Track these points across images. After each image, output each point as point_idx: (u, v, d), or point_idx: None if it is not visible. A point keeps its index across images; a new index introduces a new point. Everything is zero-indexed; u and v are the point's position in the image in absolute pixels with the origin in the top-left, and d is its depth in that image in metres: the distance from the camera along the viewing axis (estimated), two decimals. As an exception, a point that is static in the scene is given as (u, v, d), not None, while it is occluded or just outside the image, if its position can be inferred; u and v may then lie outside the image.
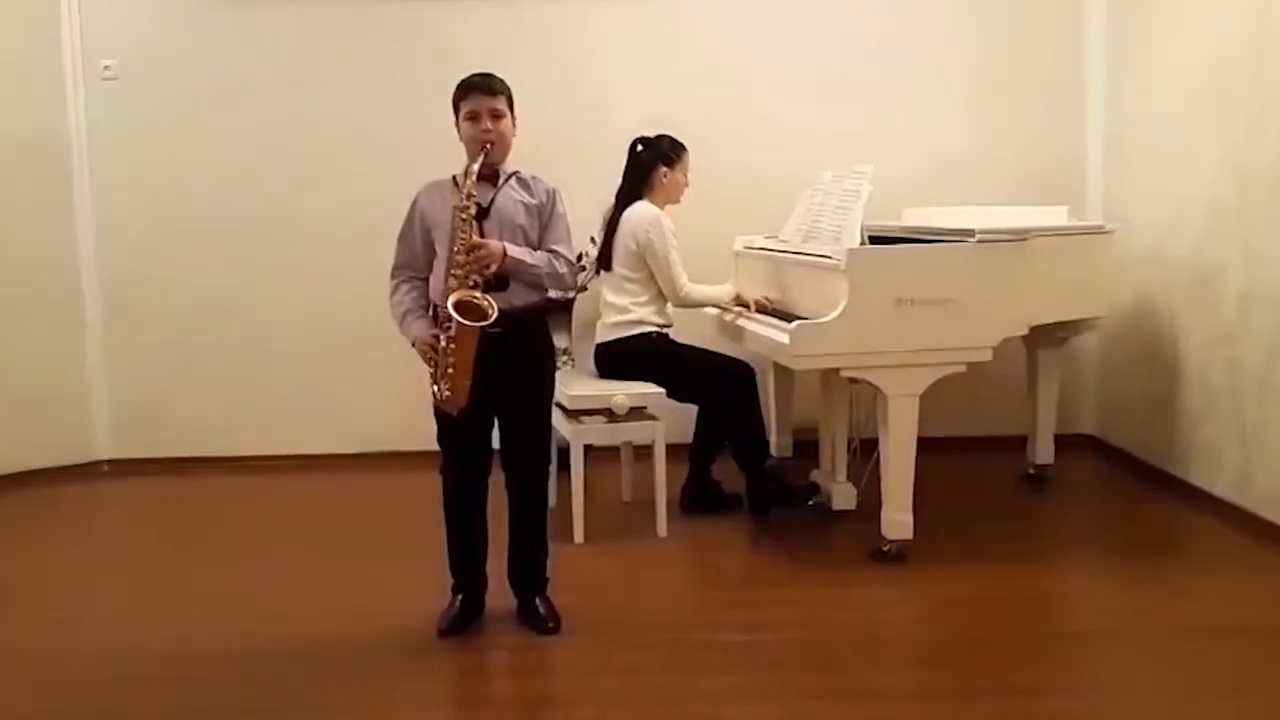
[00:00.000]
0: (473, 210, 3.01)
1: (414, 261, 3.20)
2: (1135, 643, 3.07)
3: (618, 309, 4.23)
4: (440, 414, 3.10)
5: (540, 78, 5.01)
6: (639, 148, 4.33)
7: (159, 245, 5.16)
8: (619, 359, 4.22)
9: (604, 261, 4.32)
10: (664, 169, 4.28)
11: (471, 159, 3.07)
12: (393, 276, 3.23)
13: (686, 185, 4.38)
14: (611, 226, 4.28)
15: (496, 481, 3.25)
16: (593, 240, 4.78)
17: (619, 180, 4.35)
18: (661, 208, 4.28)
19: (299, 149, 5.13)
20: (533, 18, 5.10)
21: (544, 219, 3.18)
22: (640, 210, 4.21)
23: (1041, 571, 3.65)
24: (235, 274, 5.18)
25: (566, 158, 4.84)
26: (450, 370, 2.96)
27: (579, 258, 4.79)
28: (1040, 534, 4.10)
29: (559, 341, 4.93)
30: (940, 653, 3.08)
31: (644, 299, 4.21)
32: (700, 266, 4.51)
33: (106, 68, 5.07)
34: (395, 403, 5.04)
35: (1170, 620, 3.22)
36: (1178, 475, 4.41)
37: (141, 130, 5.11)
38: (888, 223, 4.32)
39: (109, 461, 5.23)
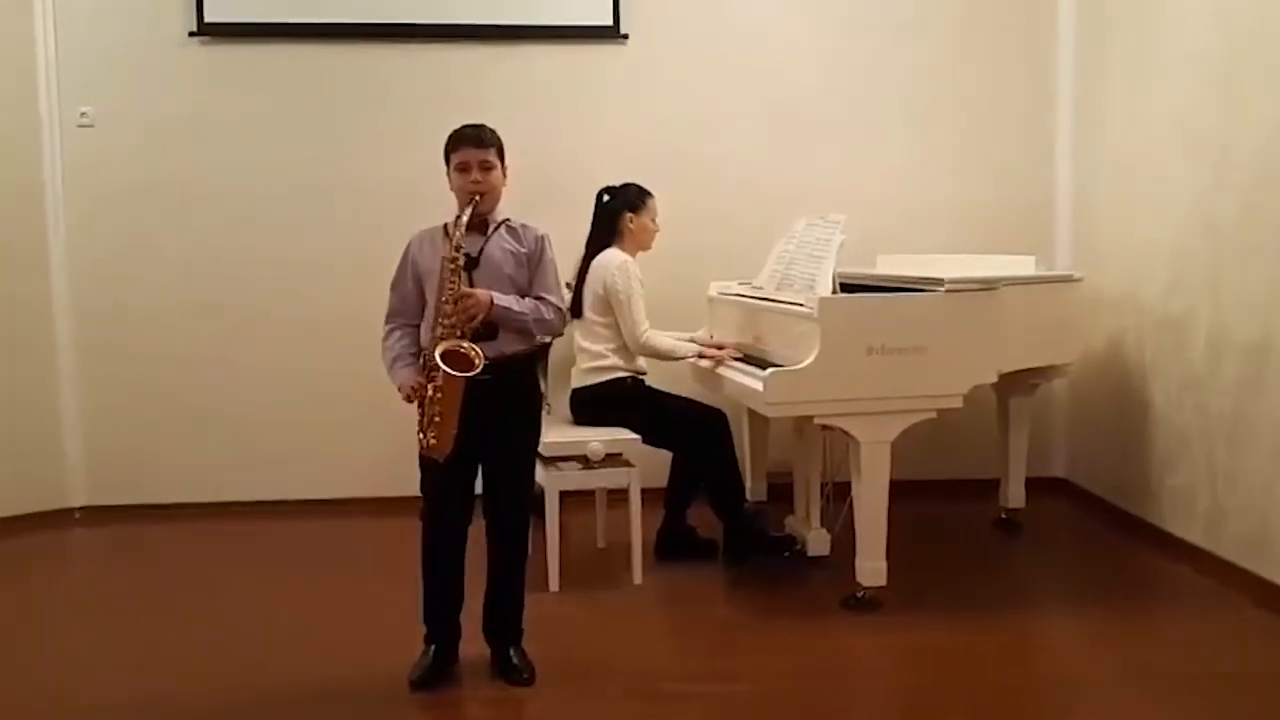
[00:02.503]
0: (461, 261, 3.03)
1: (405, 309, 3.22)
2: (1108, 690, 3.08)
3: (591, 355, 4.24)
4: (425, 461, 3.10)
5: (516, 121, 5.03)
6: (605, 197, 4.38)
7: (133, 290, 5.14)
8: (594, 405, 4.23)
9: (575, 309, 4.34)
10: (629, 215, 4.32)
11: (461, 209, 3.10)
12: (386, 323, 3.25)
13: (657, 230, 4.42)
14: (581, 274, 4.31)
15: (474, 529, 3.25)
16: (568, 285, 4.80)
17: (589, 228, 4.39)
18: (633, 254, 4.31)
19: (275, 195, 5.14)
20: (510, 61, 5.14)
21: (533, 266, 3.20)
22: (608, 256, 4.25)
23: (1015, 618, 3.66)
24: (210, 319, 5.17)
25: (541, 201, 4.87)
26: (437, 419, 2.96)
27: (558, 303, 4.86)
28: (1013, 580, 4.12)
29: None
30: (915, 701, 3.09)
31: (615, 345, 4.22)
32: (675, 311, 4.56)
33: (83, 114, 5.07)
34: (372, 448, 5.04)
35: (1143, 667, 3.24)
36: (1149, 520, 4.44)
37: (117, 176, 5.11)
38: (860, 270, 4.37)
39: (81, 509, 5.18)
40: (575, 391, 4.30)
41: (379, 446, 4.97)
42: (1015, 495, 4.66)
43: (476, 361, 2.95)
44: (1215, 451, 4.00)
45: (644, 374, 4.32)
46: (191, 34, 5.05)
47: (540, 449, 4.02)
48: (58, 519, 5.09)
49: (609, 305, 4.20)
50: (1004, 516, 4.69)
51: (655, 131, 5.14)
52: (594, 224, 4.38)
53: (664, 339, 4.25)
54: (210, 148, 5.12)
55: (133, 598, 4.16)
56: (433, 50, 5.13)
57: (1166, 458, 4.34)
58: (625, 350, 4.23)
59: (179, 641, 3.61)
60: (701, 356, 4.25)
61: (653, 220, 4.39)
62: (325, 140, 5.14)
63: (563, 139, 5.13)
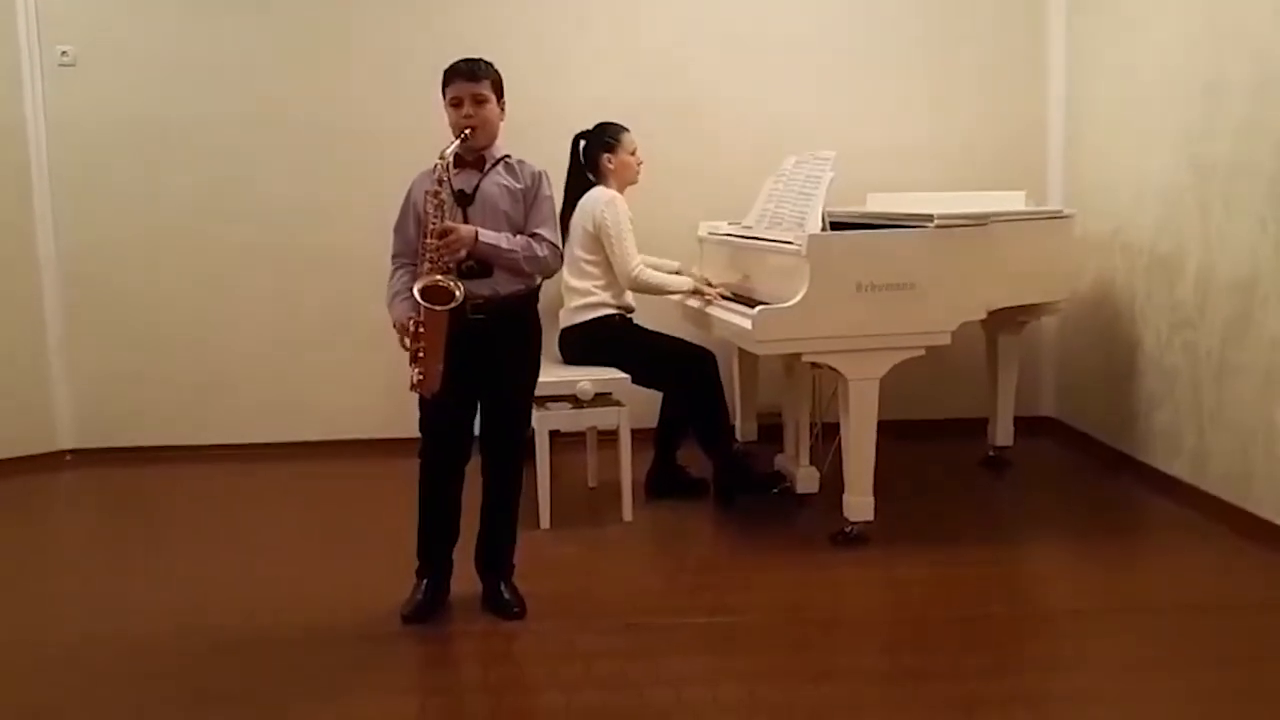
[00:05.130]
0: (444, 195, 3.00)
1: (407, 250, 3.19)
2: (1095, 621, 3.12)
3: (579, 293, 4.24)
4: (424, 399, 3.10)
5: (505, 62, 5.00)
6: (581, 143, 4.36)
7: (119, 232, 5.11)
8: (583, 343, 4.23)
9: None
10: (607, 156, 4.30)
11: (453, 144, 3.05)
12: (392, 263, 3.23)
13: (639, 162, 4.39)
14: (565, 216, 4.29)
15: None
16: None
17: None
18: (621, 191, 4.29)
19: (261, 134, 5.09)
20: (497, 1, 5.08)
21: (528, 202, 3.16)
22: (595, 193, 4.24)
23: (1002, 552, 3.70)
24: (197, 260, 5.14)
25: (529, 140, 4.85)
26: (421, 355, 2.96)
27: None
28: (1000, 515, 4.15)
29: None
30: (902, 634, 3.13)
31: (604, 282, 4.22)
32: (665, 252, 4.54)
33: (63, 54, 5.00)
34: (361, 390, 5.04)
35: (1129, 599, 3.28)
36: (1136, 457, 4.47)
37: (99, 116, 5.05)
38: (850, 208, 4.35)
39: (71, 451, 5.19)
40: (564, 331, 4.29)
41: (367, 390, 4.99)
42: (1003, 434, 4.68)
43: (455, 294, 2.93)
44: (1202, 389, 4.02)
45: (632, 311, 4.31)
46: (171, -32, 4.99)
47: (530, 389, 4.04)
48: (48, 462, 5.10)
49: (598, 243, 4.19)
50: (992, 455, 4.72)
51: (642, 71, 5.08)
52: (571, 169, 4.36)
53: (656, 275, 4.25)
54: (193, 85, 5.06)
55: (123, 538, 4.19)
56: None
57: (1154, 396, 4.36)
58: (613, 288, 4.23)
59: (168, 581, 3.63)
60: (696, 293, 4.26)
61: (632, 154, 4.36)
62: (311, 77, 5.08)
63: (551, 77, 5.06)
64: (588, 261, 4.22)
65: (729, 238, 4.42)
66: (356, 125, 5.01)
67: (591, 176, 4.32)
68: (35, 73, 5.01)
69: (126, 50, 5.04)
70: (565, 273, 4.31)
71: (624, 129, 4.35)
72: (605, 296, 4.22)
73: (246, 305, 5.17)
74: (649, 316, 4.41)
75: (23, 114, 5.00)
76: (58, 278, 5.12)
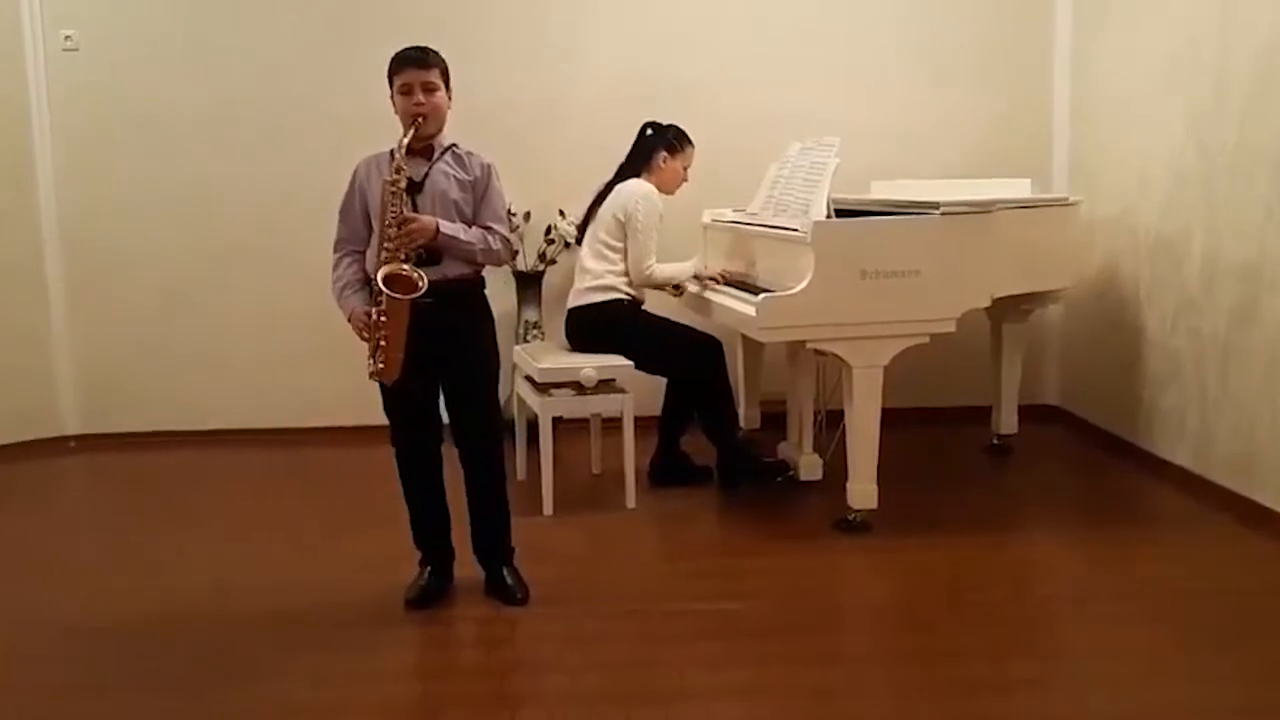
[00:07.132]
0: (403, 184, 2.99)
1: (354, 236, 3.18)
2: (1098, 608, 3.12)
3: (592, 274, 4.24)
4: (383, 385, 3.10)
5: (509, 47, 5.01)
6: (648, 131, 4.37)
7: (122, 218, 5.11)
8: (590, 327, 4.23)
9: (582, 229, 4.34)
10: (664, 154, 4.31)
11: (405, 132, 3.05)
12: (335, 250, 3.21)
13: (685, 180, 4.40)
14: (600, 196, 4.30)
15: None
16: (561, 213, 4.79)
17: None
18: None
19: (263, 119, 5.08)
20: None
21: (478, 195, 3.16)
22: (636, 184, 4.26)
23: (1005, 540, 3.70)
24: (199, 246, 5.13)
25: (533, 128, 4.86)
26: (383, 344, 2.96)
27: (546, 231, 4.86)
28: (1004, 503, 4.14)
29: (529, 315, 4.95)
30: (904, 620, 3.13)
31: (620, 268, 4.23)
32: (669, 240, 4.52)
33: (67, 38, 4.99)
34: (363, 376, 5.01)
35: (1132, 586, 3.27)
36: (1140, 444, 4.46)
37: (103, 101, 5.04)
38: (855, 195, 4.35)
39: (75, 437, 5.19)
40: (571, 310, 4.29)
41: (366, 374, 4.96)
42: (1007, 422, 4.67)
43: (419, 284, 2.93)
44: (1207, 375, 4.01)
45: (642, 299, 4.31)
46: (175, -49, 4.98)
47: (534, 375, 4.05)
48: (51, 447, 5.12)
49: (624, 230, 4.20)
50: (996, 443, 4.72)
51: (648, 58, 5.06)
52: (630, 153, 4.37)
53: (665, 270, 4.27)
54: (196, 72, 5.05)
55: (126, 523, 4.20)
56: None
57: (1158, 382, 4.35)
58: (628, 275, 4.23)
59: (172, 565, 3.64)
60: (697, 278, 4.27)
61: (684, 167, 4.38)
62: (314, 65, 5.06)
63: (556, 64, 5.06)
64: (610, 247, 4.22)
65: (734, 225, 4.42)
66: (358, 111, 4.92)
67: (638, 164, 4.32)
68: (39, 57, 4.99)
69: (130, 35, 5.03)
70: (584, 254, 4.31)
71: (691, 142, 4.38)
72: (619, 281, 4.22)
73: (250, 291, 5.16)
74: (654, 304, 4.40)
75: (26, 98, 4.99)
76: (61, 263, 5.12)
